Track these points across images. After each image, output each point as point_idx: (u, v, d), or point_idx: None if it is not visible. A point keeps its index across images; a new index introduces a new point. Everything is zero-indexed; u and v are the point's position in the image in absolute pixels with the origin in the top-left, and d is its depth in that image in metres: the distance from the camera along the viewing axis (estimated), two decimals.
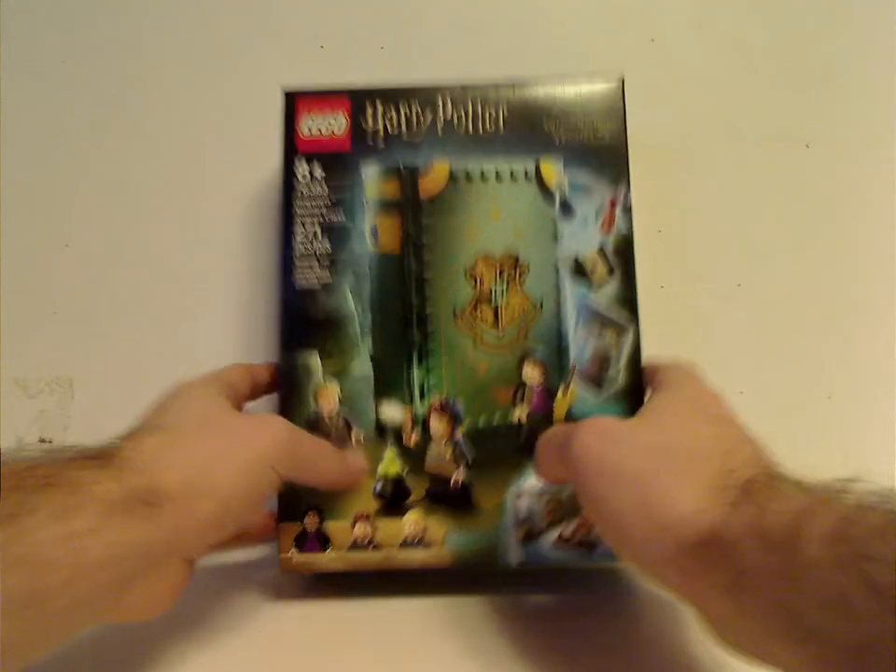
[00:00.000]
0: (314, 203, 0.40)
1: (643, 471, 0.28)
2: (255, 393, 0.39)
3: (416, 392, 0.39)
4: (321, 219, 0.40)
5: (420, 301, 0.39)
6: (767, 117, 0.49)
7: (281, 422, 0.34)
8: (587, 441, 0.30)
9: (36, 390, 0.54)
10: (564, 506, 0.37)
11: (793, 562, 0.23)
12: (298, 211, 0.40)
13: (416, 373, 0.39)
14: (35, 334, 0.53)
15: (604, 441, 0.29)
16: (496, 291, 0.39)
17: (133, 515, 0.27)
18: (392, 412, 0.39)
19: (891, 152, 0.48)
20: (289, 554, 0.38)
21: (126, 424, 0.33)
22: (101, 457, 0.29)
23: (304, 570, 0.38)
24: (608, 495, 0.28)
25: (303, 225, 0.40)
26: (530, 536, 0.37)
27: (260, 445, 0.32)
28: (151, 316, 0.50)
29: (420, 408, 0.38)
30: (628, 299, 0.37)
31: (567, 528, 0.37)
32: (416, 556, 0.38)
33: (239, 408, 0.38)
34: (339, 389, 0.39)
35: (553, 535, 0.37)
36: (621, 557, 0.30)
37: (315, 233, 0.40)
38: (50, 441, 0.54)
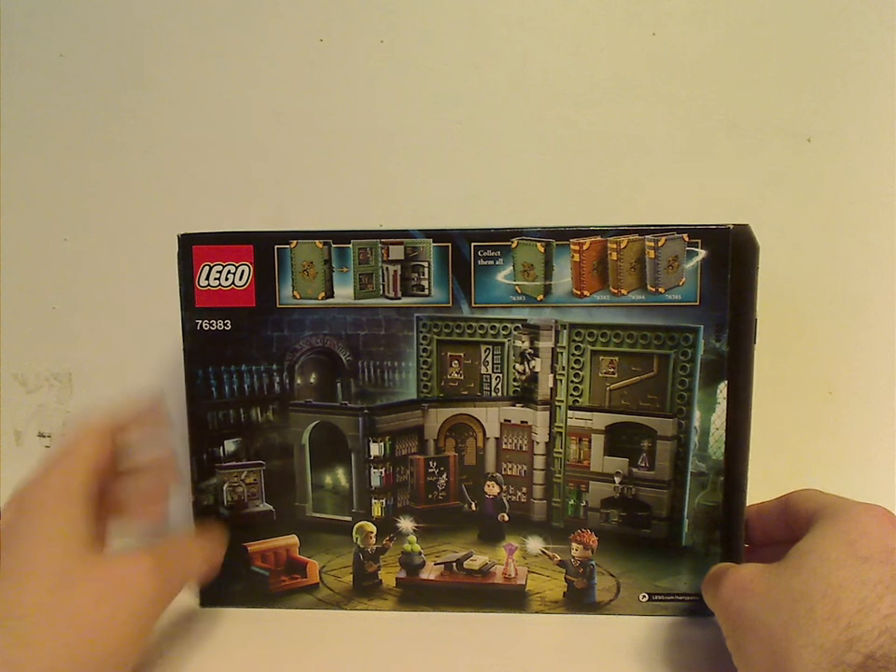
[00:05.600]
0: None
1: (772, 629, 0.29)
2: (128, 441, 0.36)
3: None
4: None
5: None
6: (769, 111, 0.49)
7: (145, 569, 0.32)
8: (726, 594, 0.32)
9: (35, 385, 0.54)
10: None
11: None
12: None
13: None
14: (34, 329, 0.53)
15: (742, 595, 0.31)
16: None
17: None
18: None
19: (893, 146, 0.48)
20: None
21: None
22: None
23: None
24: (742, 647, 0.30)
25: None
26: None
27: (121, 621, 0.30)
28: (149, 311, 0.50)
29: None
30: None
31: None
32: None
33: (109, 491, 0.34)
34: None
35: None
36: None
37: None
38: (49, 436, 0.54)
